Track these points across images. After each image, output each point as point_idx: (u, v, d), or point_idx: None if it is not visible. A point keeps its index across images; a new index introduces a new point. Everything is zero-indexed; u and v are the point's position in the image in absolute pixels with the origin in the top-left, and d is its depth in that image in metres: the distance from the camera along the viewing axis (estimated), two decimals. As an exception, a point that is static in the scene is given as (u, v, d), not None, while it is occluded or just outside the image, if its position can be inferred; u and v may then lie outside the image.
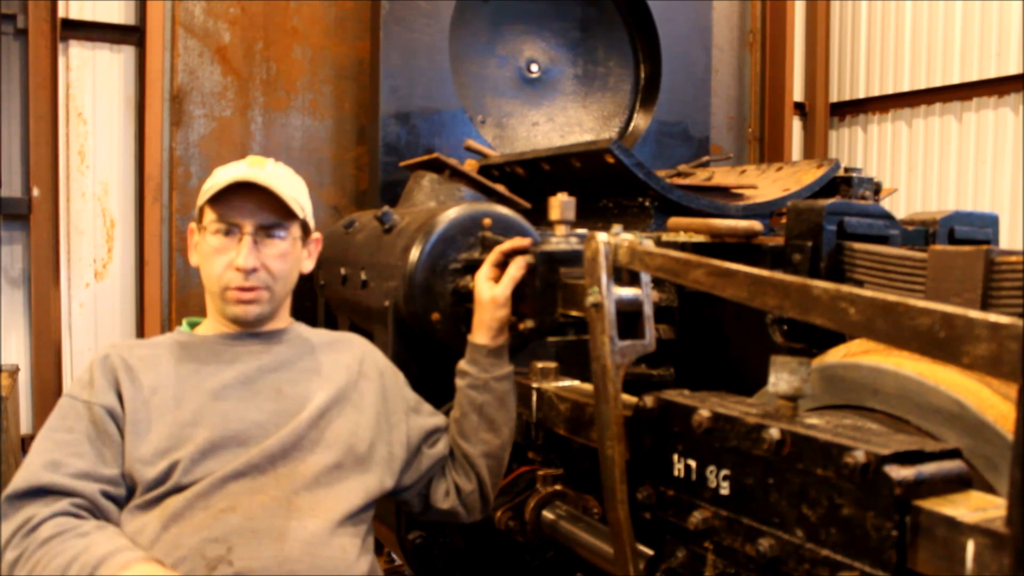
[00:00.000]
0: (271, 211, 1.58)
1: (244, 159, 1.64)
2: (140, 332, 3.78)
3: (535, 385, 1.78)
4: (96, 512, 1.40)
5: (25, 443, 3.48)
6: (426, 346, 2.02)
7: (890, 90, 5.17)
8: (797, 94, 5.37)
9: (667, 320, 2.14)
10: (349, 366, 1.67)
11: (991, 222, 2.13)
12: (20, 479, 1.40)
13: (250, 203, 1.56)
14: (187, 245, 1.68)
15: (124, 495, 1.44)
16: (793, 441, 1.09)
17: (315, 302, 2.91)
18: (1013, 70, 4.48)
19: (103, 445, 1.44)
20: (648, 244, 1.40)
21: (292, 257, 1.62)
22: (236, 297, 1.57)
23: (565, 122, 4.14)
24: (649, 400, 1.35)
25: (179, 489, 1.41)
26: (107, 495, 1.41)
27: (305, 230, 1.67)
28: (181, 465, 1.42)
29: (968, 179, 4.73)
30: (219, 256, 1.56)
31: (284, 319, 1.69)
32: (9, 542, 1.34)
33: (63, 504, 1.37)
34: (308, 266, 1.71)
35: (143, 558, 1.31)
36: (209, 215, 1.57)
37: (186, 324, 1.70)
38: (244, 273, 1.55)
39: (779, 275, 1.13)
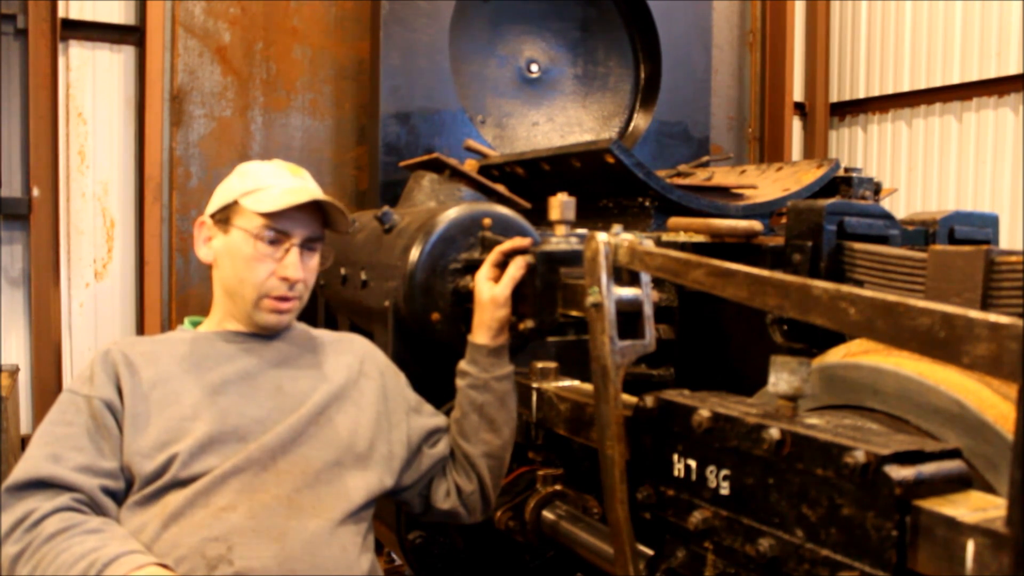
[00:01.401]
0: (317, 224, 1.62)
1: (283, 166, 1.65)
2: (140, 332, 3.78)
3: (535, 385, 1.78)
4: (96, 508, 1.40)
5: (25, 443, 3.48)
6: (426, 346, 2.02)
7: (890, 90, 5.17)
8: (797, 94, 5.38)
9: (667, 320, 2.14)
10: (350, 365, 1.67)
11: (991, 222, 2.12)
12: (20, 471, 1.39)
13: (301, 214, 1.58)
14: (194, 238, 1.67)
15: (123, 489, 1.44)
16: (793, 441, 1.09)
17: (315, 302, 2.91)
18: (1013, 70, 4.48)
19: (101, 439, 1.44)
20: (648, 244, 1.40)
21: (317, 270, 1.66)
22: (273, 306, 1.58)
23: (565, 122, 4.14)
24: (649, 400, 1.35)
25: (177, 483, 1.41)
26: (106, 490, 1.41)
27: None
28: (179, 459, 1.42)
29: (968, 179, 4.73)
30: (262, 263, 1.56)
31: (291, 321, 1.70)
32: (10, 535, 1.34)
33: (64, 499, 1.36)
34: None
35: (156, 562, 1.31)
36: (255, 220, 1.56)
37: (188, 323, 1.70)
38: (290, 284, 1.57)
39: (779, 275, 1.13)
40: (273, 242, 1.56)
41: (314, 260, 1.63)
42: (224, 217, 1.60)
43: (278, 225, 1.56)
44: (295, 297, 1.60)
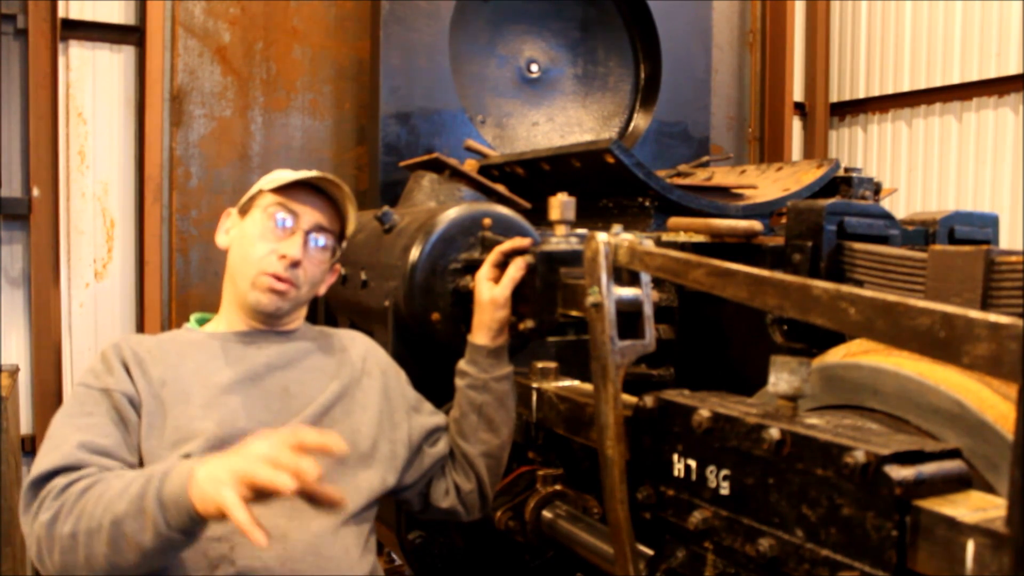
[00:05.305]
0: (329, 217, 1.64)
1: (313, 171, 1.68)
2: (140, 332, 3.78)
3: (535, 385, 1.78)
4: None
5: (25, 443, 3.48)
6: (426, 346, 2.02)
7: (890, 90, 5.17)
8: (797, 94, 5.37)
9: (667, 320, 2.14)
10: (352, 363, 1.67)
11: (991, 222, 2.12)
12: (44, 463, 1.33)
13: (313, 200, 1.62)
14: (217, 226, 1.70)
15: None
16: (793, 441, 1.09)
17: (315, 302, 2.91)
18: (1013, 70, 4.48)
19: (126, 431, 1.43)
20: (648, 244, 1.40)
21: (323, 269, 1.66)
22: (268, 284, 1.57)
23: (565, 122, 4.14)
24: (649, 400, 1.35)
25: None
26: None
27: (335, 255, 1.70)
28: (193, 458, 1.41)
29: (968, 179, 4.72)
30: (265, 241, 1.58)
31: (298, 322, 1.70)
32: (39, 508, 1.27)
33: (91, 469, 1.32)
34: (322, 290, 1.73)
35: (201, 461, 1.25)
36: (269, 198, 1.60)
37: (194, 320, 1.70)
38: (288, 263, 1.56)
39: (779, 275, 1.13)
40: (282, 224, 1.58)
41: (320, 254, 1.63)
42: (247, 206, 1.65)
43: (290, 203, 1.59)
44: (291, 280, 1.58)
